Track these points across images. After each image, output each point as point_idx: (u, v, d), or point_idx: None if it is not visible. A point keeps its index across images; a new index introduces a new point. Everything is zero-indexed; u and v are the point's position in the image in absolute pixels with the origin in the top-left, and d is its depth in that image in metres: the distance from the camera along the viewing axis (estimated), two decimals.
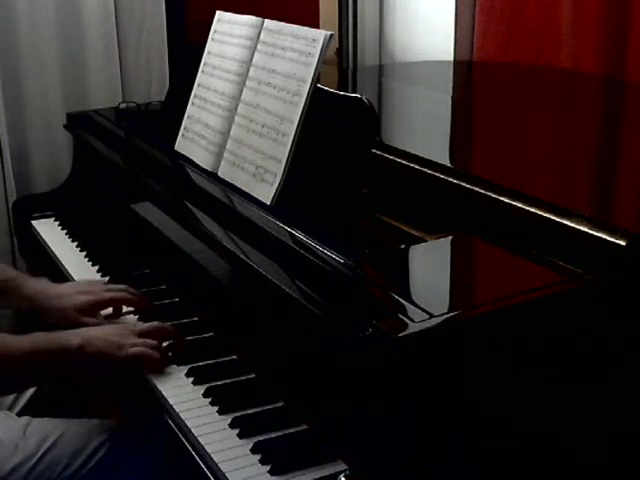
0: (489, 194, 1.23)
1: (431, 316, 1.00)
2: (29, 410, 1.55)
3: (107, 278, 1.74)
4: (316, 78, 1.45)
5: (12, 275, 1.63)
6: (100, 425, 1.44)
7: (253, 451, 1.16)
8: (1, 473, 1.32)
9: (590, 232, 1.08)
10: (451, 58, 2.44)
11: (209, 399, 1.28)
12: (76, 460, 1.35)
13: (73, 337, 1.33)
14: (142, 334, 1.39)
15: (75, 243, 1.97)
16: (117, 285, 1.60)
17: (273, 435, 1.19)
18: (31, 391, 1.60)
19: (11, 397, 1.59)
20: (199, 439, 1.19)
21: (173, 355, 1.40)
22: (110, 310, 1.56)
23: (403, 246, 1.23)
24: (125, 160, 1.95)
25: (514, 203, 1.19)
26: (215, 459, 1.15)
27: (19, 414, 1.53)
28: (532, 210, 1.16)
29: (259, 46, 1.62)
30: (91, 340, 1.33)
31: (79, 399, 1.69)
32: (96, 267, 1.81)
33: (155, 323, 1.45)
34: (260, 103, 1.56)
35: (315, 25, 2.68)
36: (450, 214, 1.27)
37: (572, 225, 1.10)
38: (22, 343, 1.31)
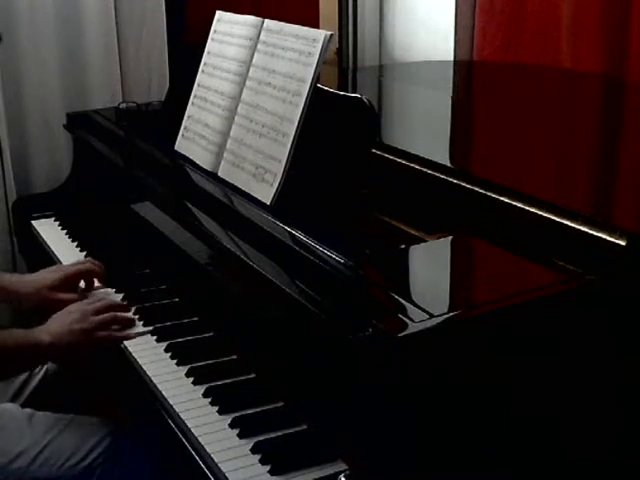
0: (489, 194, 1.23)
1: (431, 316, 1.00)
2: (32, 402, 1.58)
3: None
4: (316, 78, 1.45)
5: None
6: (101, 422, 1.47)
7: (253, 451, 1.16)
8: (8, 457, 1.37)
9: (590, 232, 1.08)
10: (451, 58, 2.45)
11: (209, 399, 1.28)
12: (77, 453, 1.39)
13: (43, 335, 1.41)
14: (98, 312, 1.47)
15: (75, 243, 1.97)
16: (82, 260, 1.76)
17: (273, 435, 1.19)
18: (35, 383, 1.65)
19: (15, 388, 1.63)
20: (199, 439, 1.19)
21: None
22: (83, 284, 1.66)
23: (403, 246, 1.23)
24: (125, 160, 1.95)
25: (514, 203, 1.19)
26: (215, 459, 1.15)
27: (22, 405, 1.55)
28: (532, 210, 1.16)
29: (259, 46, 1.62)
30: (58, 335, 1.41)
31: (80, 397, 1.70)
32: None
33: (105, 300, 1.55)
34: (260, 103, 1.56)
35: (315, 25, 2.68)
36: (450, 214, 1.27)
37: (572, 225, 1.10)
38: (6, 339, 1.40)
